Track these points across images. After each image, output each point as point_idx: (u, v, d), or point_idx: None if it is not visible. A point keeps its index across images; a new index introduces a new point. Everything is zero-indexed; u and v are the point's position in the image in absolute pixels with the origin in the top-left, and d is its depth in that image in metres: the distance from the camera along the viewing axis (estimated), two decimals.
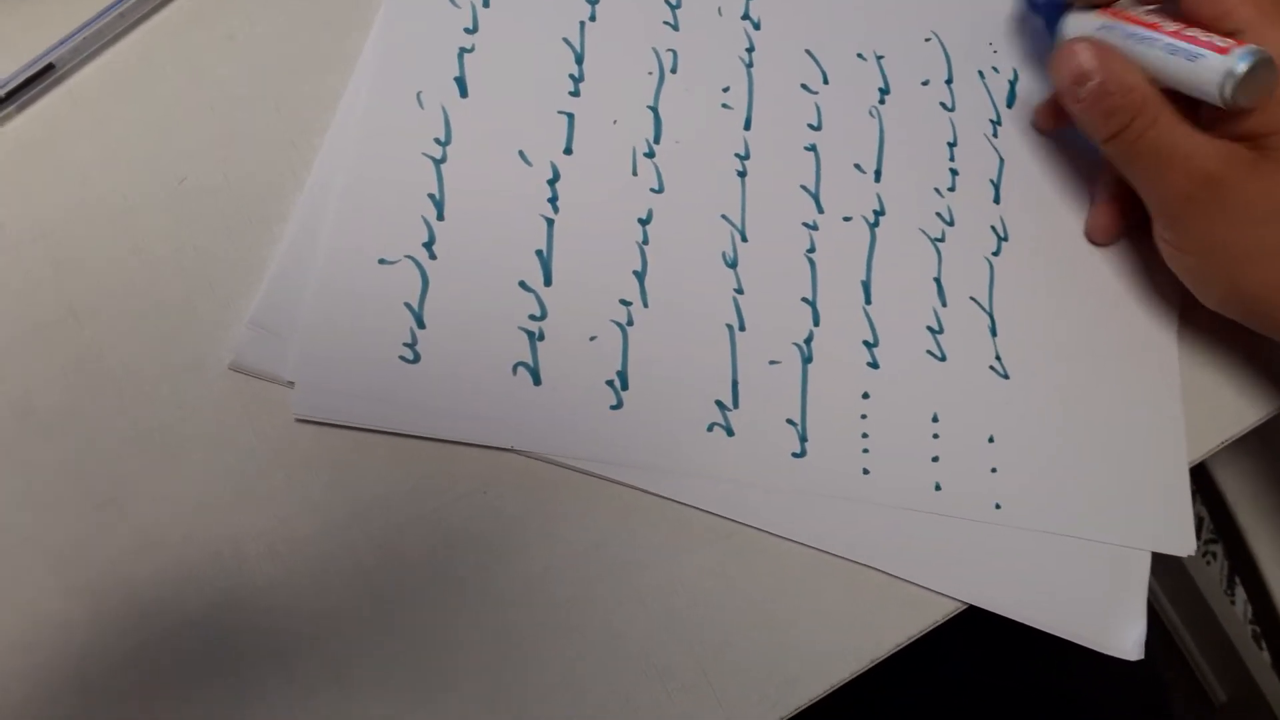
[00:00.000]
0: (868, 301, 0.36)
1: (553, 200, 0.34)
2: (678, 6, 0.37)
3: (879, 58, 0.38)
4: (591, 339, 0.33)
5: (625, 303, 0.34)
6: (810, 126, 0.37)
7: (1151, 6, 0.35)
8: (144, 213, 0.31)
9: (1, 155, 0.31)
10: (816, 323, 0.35)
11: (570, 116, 0.35)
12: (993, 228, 0.38)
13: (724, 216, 0.35)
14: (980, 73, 0.39)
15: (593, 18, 0.36)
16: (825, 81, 0.37)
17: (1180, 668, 0.80)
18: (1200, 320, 0.38)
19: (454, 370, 0.31)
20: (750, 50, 0.37)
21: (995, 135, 0.39)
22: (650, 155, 0.35)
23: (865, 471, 0.34)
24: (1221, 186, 0.33)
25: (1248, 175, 0.33)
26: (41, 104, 0.31)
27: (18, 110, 0.31)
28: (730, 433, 0.33)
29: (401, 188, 0.32)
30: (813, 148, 0.37)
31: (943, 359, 0.36)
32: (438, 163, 0.33)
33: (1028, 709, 0.51)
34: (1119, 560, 0.36)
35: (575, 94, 0.35)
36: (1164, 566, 0.75)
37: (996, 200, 0.38)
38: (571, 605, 0.32)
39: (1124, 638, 0.35)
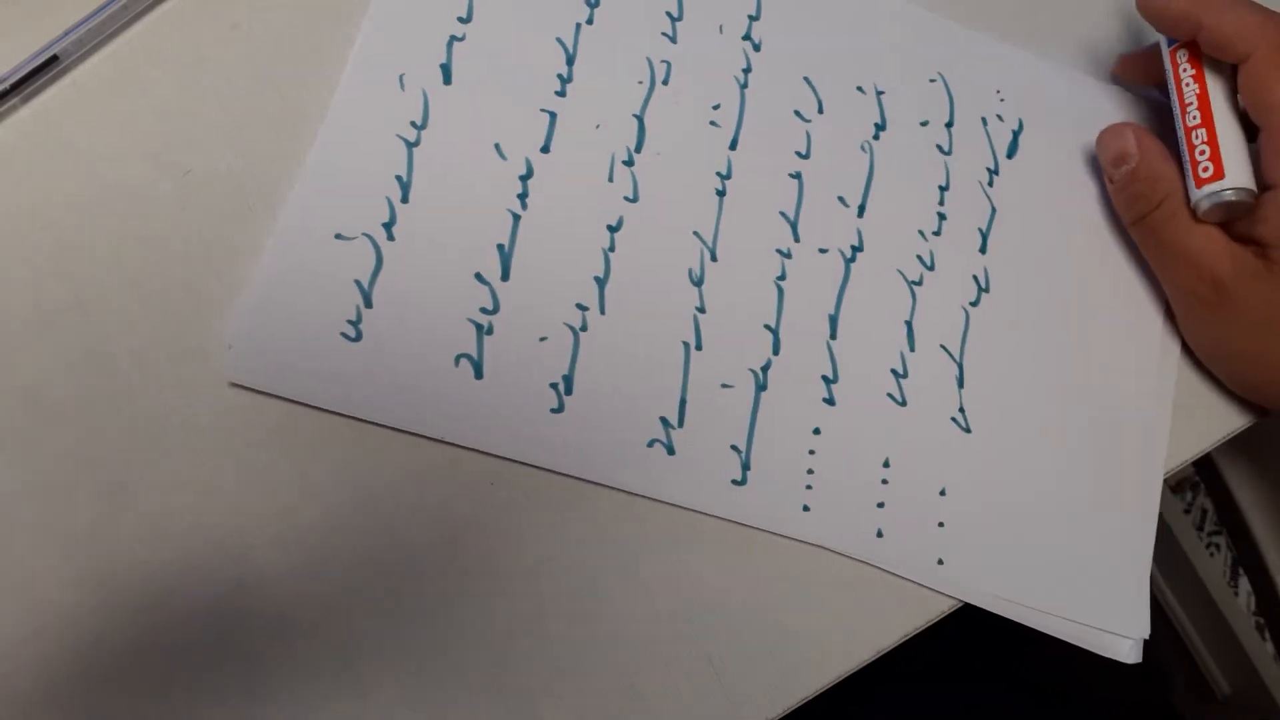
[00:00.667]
0: (833, 336, 0.35)
1: (522, 196, 0.33)
2: (679, 19, 0.36)
3: (879, 93, 0.38)
4: (542, 339, 0.33)
5: (582, 307, 0.33)
6: (798, 154, 0.36)
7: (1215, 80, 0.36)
8: (150, 203, 0.31)
9: (7, 147, 0.31)
10: (776, 351, 0.34)
11: (553, 115, 0.34)
12: (975, 277, 0.37)
13: (696, 233, 0.35)
14: (984, 120, 0.38)
15: (590, 21, 0.36)
16: (820, 110, 0.37)
17: (1183, 659, 0.80)
18: None
19: (394, 353, 0.31)
20: (747, 71, 0.37)
21: (991, 184, 0.38)
22: (629, 163, 0.35)
23: (805, 508, 0.33)
24: (1225, 290, 0.34)
25: (1251, 283, 0.34)
26: (46, 95, 0.32)
27: (23, 102, 0.31)
28: (670, 451, 0.33)
29: (369, 166, 0.32)
30: (797, 175, 0.36)
31: (903, 404, 0.35)
32: (410, 145, 0.33)
33: (1032, 699, 0.51)
34: (1119, 563, 0.35)
35: (561, 94, 0.35)
36: (1168, 558, 0.75)
37: (983, 250, 0.37)
38: (577, 594, 0.32)
39: (1123, 640, 0.35)
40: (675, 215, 0.35)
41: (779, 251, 0.35)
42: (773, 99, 0.37)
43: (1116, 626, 0.35)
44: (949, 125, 0.38)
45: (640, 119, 0.35)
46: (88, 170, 0.31)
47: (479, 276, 0.32)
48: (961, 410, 0.35)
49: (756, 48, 0.37)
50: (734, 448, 0.33)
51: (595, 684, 0.31)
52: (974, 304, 0.36)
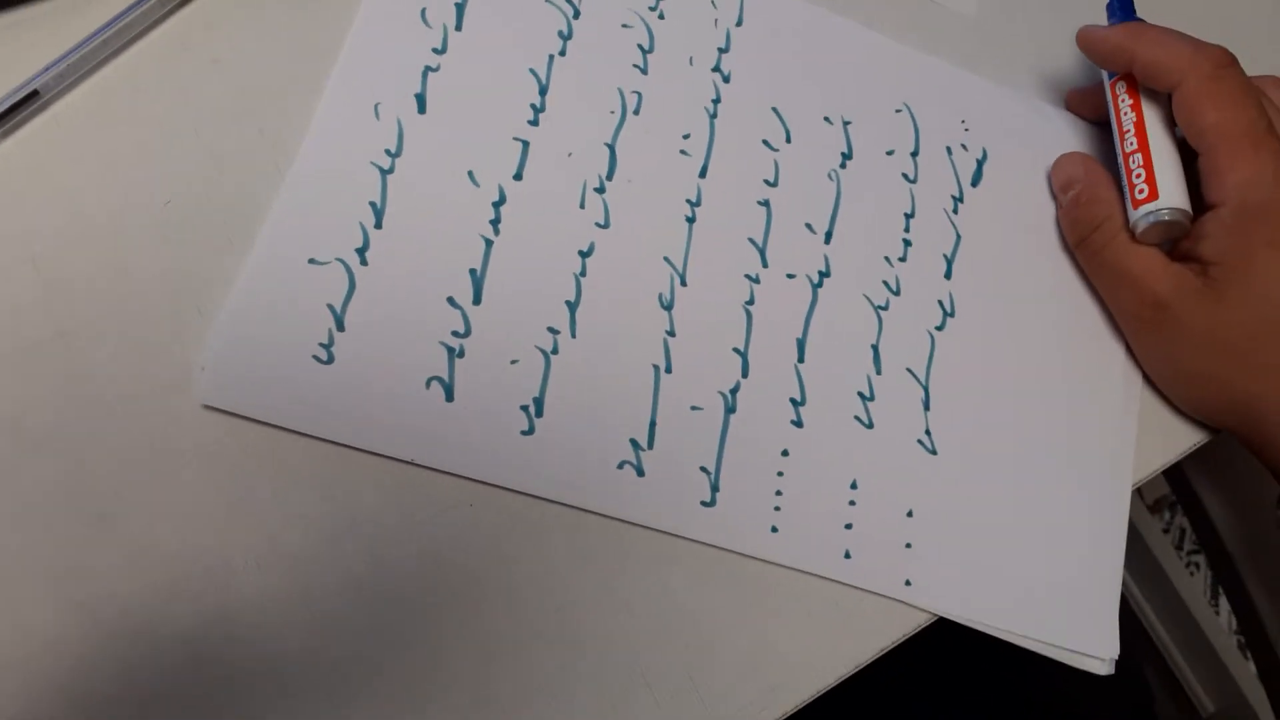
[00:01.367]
0: (800, 360, 0.36)
1: (494, 222, 0.34)
2: (650, 51, 0.37)
3: (846, 123, 0.38)
4: (513, 362, 0.33)
5: (553, 330, 0.34)
6: (766, 182, 0.37)
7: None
8: (130, 234, 0.32)
9: None
10: (745, 374, 0.35)
11: (525, 144, 0.35)
12: (940, 302, 0.37)
13: (666, 259, 0.35)
14: (949, 149, 0.39)
15: (563, 53, 0.36)
16: (788, 140, 0.38)
17: (1167, 678, 0.80)
18: None
19: (365, 376, 0.32)
20: (716, 101, 0.37)
21: (955, 212, 0.39)
22: (600, 190, 0.35)
23: (774, 529, 0.34)
24: (1167, 311, 0.35)
25: (1191, 303, 0.35)
26: (27, 129, 0.32)
27: (3, 136, 0.32)
28: (640, 473, 0.33)
29: (344, 192, 0.33)
30: (765, 203, 0.37)
31: (870, 426, 0.36)
32: (384, 172, 0.33)
33: (1015, 716, 0.51)
34: (1088, 583, 0.36)
35: (534, 123, 0.35)
36: (1149, 577, 0.76)
37: (948, 276, 0.38)
38: (559, 614, 0.32)
39: (1096, 651, 0.35)
40: (646, 241, 0.35)
41: (748, 277, 0.36)
42: (742, 129, 0.37)
43: (1086, 647, 0.35)
44: (914, 154, 0.39)
45: (612, 147, 0.36)
46: (68, 203, 0.32)
47: (451, 300, 0.33)
48: (928, 433, 0.36)
49: (726, 79, 0.38)
50: (703, 469, 0.34)
51: (578, 704, 0.32)
52: (940, 328, 0.37)
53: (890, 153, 0.39)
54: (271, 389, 0.31)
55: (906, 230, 0.38)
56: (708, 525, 0.33)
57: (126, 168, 0.32)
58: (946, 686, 0.51)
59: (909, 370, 0.36)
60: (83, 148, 0.32)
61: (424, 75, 0.35)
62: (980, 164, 0.40)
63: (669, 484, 0.33)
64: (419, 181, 0.34)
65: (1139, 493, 0.37)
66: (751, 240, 0.36)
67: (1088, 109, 0.41)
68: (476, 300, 0.33)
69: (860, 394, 0.36)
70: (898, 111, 0.39)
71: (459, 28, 0.36)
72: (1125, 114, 0.37)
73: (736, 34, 0.38)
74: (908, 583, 0.34)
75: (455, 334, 0.33)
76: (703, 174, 0.37)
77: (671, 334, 0.35)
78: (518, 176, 0.35)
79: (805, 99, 0.38)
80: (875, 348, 0.36)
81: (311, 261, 0.32)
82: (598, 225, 0.35)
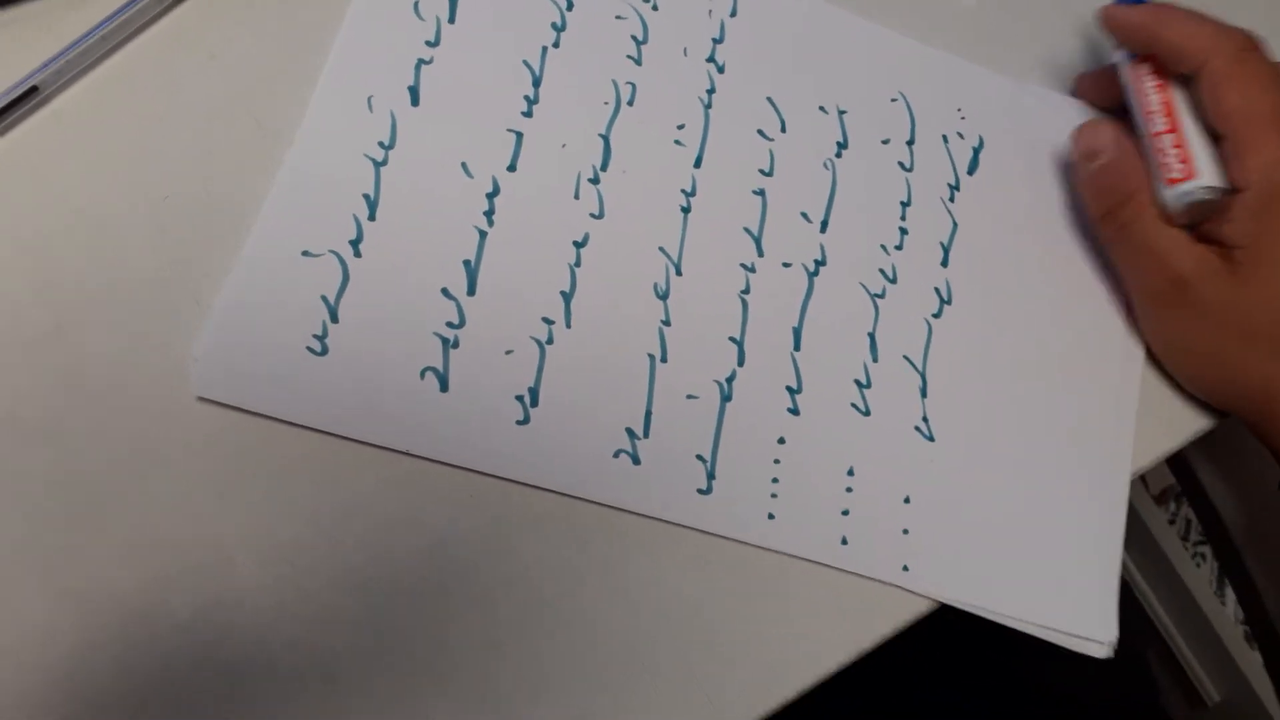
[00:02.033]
0: (796, 348, 0.35)
1: (489, 213, 0.34)
2: (644, 42, 0.37)
3: (841, 112, 0.38)
4: (508, 353, 0.33)
5: (548, 321, 0.34)
6: (761, 171, 0.37)
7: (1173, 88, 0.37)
8: (129, 230, 0.32)
9: None
10: (741, 363, 0.35)
11: (519, 135, 0.35)
12: (936, 290, 0.37)
13: (661, 249, 0.35)
14: (944, 137, 0.39)
15: (556, 44, 0.36)
16: (783, 130, 0.38)
17: (1173, 668, 0.80)
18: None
19: (360, 367, 0.32)
20: (710, 92, 0.37)
21: (952, 200, 0.39)
22: (595, 181, 0.35)
23: (770, 516, 0.34)
24: (1188, 290, 0.35)
25: (1213, 283, 0.34)
26: (26, 125, 0.32)
27: (2, 132, 0.32)
28: (636, 461, 0.33)
29: (337, 184, 0.33)
30: (761, 192, 0.37)
31: (866, 413, 0.35)
32: (378, 165, 0.33)
33: (1021, 710, 0.51)
34: (1087, 567, 0.36)
35: (528, 114, 0.35)
36: (1155, 568, 0.75)
37: (944, 263, 0.38)
38: (558, 603, 0.32)
39: (1095, 635, 0.35)
40: (641, 231, 0.35)
41: (743, 266, 0.36)
42: (737, 119, 0.37)
43: (1085, 630, 0.35)
44: (910, 143, 0.39)
45: (606, 138, 0.36)
46: (67, 197, 0.32)
47: (445, 291, 0.33)
48: (925, 420, 0.36)
49: (720, 69, 0.38)
50: (699, 458, 0.34)
51: (578, 693, 0.32)
52: (936, 316, 0.37)
53: (886, 141, 0.39)
54: (265, 380, 0.31)
55: (903, 219, 0.38)
56: (704, 513, 0.33)
57: (125, 163, 0.32)
58: (950, 670, 0.51)
59: (906, 358, 0.36)
60: (81, 143, 0.32)
61: (417, 67, 0.35)
62: (976, 152, 0.39)
63: (665, 473, 0.33)
64: (412, 173, 0.34)
65: (1145, 484, 0.37)
66: (747, 229, 0.36)
67: (1099, 94, 0.40)
68: (471, 291, 0.33)
69: (857, 382, 0.36)
70: (893, 100, 0.39)
71: (452, 20, 0.36)
72: (1149, 95, 0.36)
73: (730, 24, 0.38)
74: (905, 568, 0.34)
75: (450, 325, 0.33)
76: (698, 164, 0.37)
77: (667, 323, 0.35)
78: (511, 168, 0.35)
79: (800, 88, 0.38)
80: (872, 336, 0.36)
81: (305, 253, 0.32)
82: (592, 216, 0.35)
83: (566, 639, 0.32)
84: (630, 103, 0.37)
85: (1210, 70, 0.34)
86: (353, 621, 0.31)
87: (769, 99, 0.38)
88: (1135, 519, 0.36)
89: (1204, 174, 0.34)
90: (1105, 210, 0.37)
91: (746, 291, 0.36)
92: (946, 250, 0.38)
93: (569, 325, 0.34)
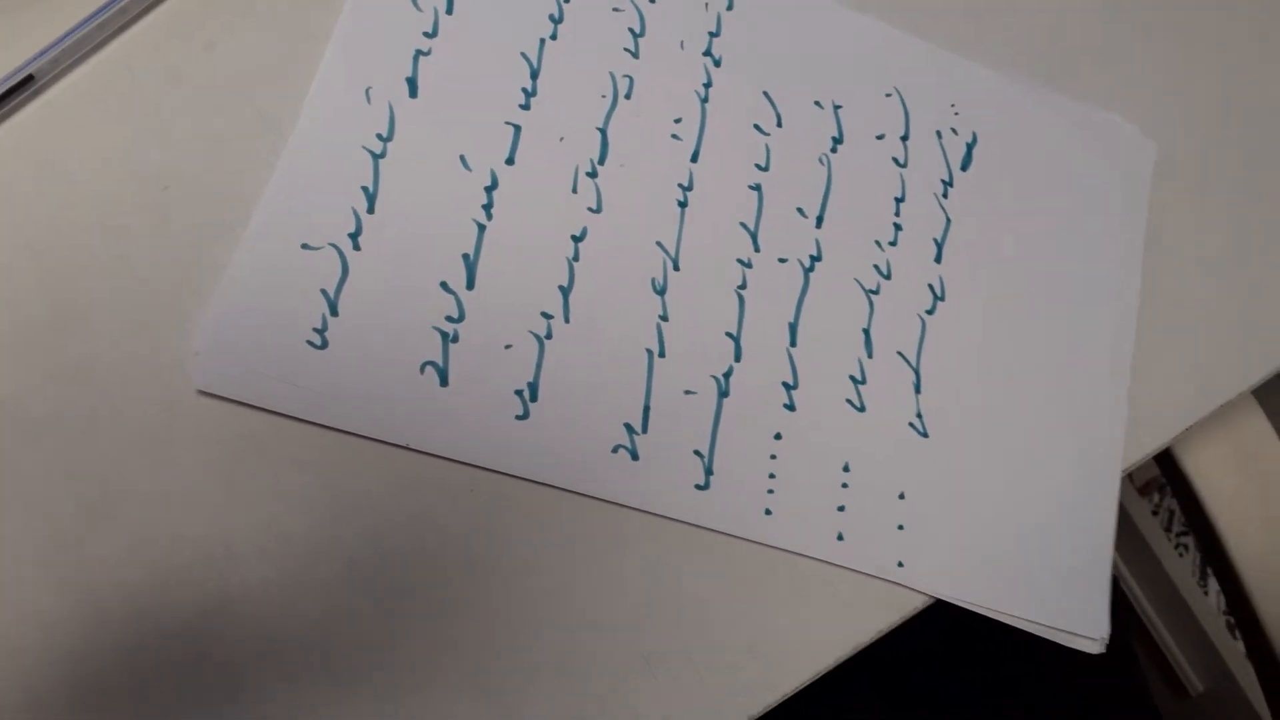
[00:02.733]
0: (792, 344, 0.36)
1: (487, 207, 0.34)
2: (641, 35, 0.37)
3: (836, 107, 0.39)
4: (507, 347, 0.33)
5: (547, 315, 0.34)
6: (758, 166, 0.37)
7: None
8: (128, 220, 0.32)
9: None
10: (738, 358, 0.35)
11: (517, 128, 0.35)
12: (930, 286, 0.38)
13: (659, 243, 0.35)
14: (938, 133, 0.39)
15: (554, 36, 0.36)
16: (779, 124, 0.38)
17: (1156, 658, 0.81)
18: (1148, 318, 0.39)
19: (360, 361, 0.32)
20: (707, 85, 0.37)
21: (945, 196, 0.39)
22: (593, 175, 0.35)
23: (768, 512, 0.34)
24: None
25: None
26: (22, 115, 0.32)
27: None
28: (635, 456, 0.33)
29: (336, 177, 0.33)
30: (757, 187, 0.37)
31: (861, 409, 0.36)
32: (376, 157, 0.33)
33: (1007, 698, 0.52)
34: (1079, 564, 0.36)
35: (525, 107, 0.35)
36: (1138, 559, 0.76)
37: (938, 259, 0.38)
38: (558, 595, 0.32)
39: (1087, 631, 0.36)
40: (638, 225, 0.35)
41: (740, 261, 0.36)
42: (733, 113, 0.37)
43: (1077, 626, 0.36)
44: (904, 139, 0.39)
45: (603, 132, 0.36)
46: (65, 188, 0.31)
47: (444, 285, 0.33)
48: (919, 416, 0.36)
49: (717, 63, 0.38)
50: (697, 453, 0.34)
51: (577, 686, 0.32)
52: (930, 312, 0.37)
53: (880, 137, 0.39)
54: (265, 374, 0.31)
55: (897, 214, 0.38)
56: (702, 508, 0.33)
57: (123, 152, 0.32)
58: (945, 659, 0.51)
59: (900, 354, 0.37)
60: (78, 133, 0.32)
61: (415, 59, 0.35)
62: (970, 148, 0.40)
63: (663, 467, 0.33)
64: (411, 165, 0.34)
65: (1128, 475, 0.37)
66: (743, 224, 0.36)
67: None
68: (470, 285, 0.33)
69: (852, 377, 0.36)
70: (888, 96, 0.39)
71: (450, 11, 0.35)
72: None
73: (727, 18, 0.38)
74: (900, 564, 0.34)
75: (449, 319, 0.33)
76: (694, 158, 0.37)
77: (664, 319, 0.35)
78: (509, 161, 0.35)
79: (796, 83, 0.38)
80: (866, 331, 0.36)
81: (304, 246, 0.32)
82: (590, 210, 0.35)
83: (566, 632, 0.32)
84: (628, 96, 0.36)
85: None
86: (353, 614, 0.31)
87: (765, 93, 0.38)
88: (1119, 510, 0.37)
89: None
90: None
91: (743, 287, 0.36)
92: (940, 246, 0.38)
93: (567, 320, 0.34)
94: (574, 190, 0.35)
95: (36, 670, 0.29)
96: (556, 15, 0.36)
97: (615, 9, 0.37)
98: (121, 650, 0.29)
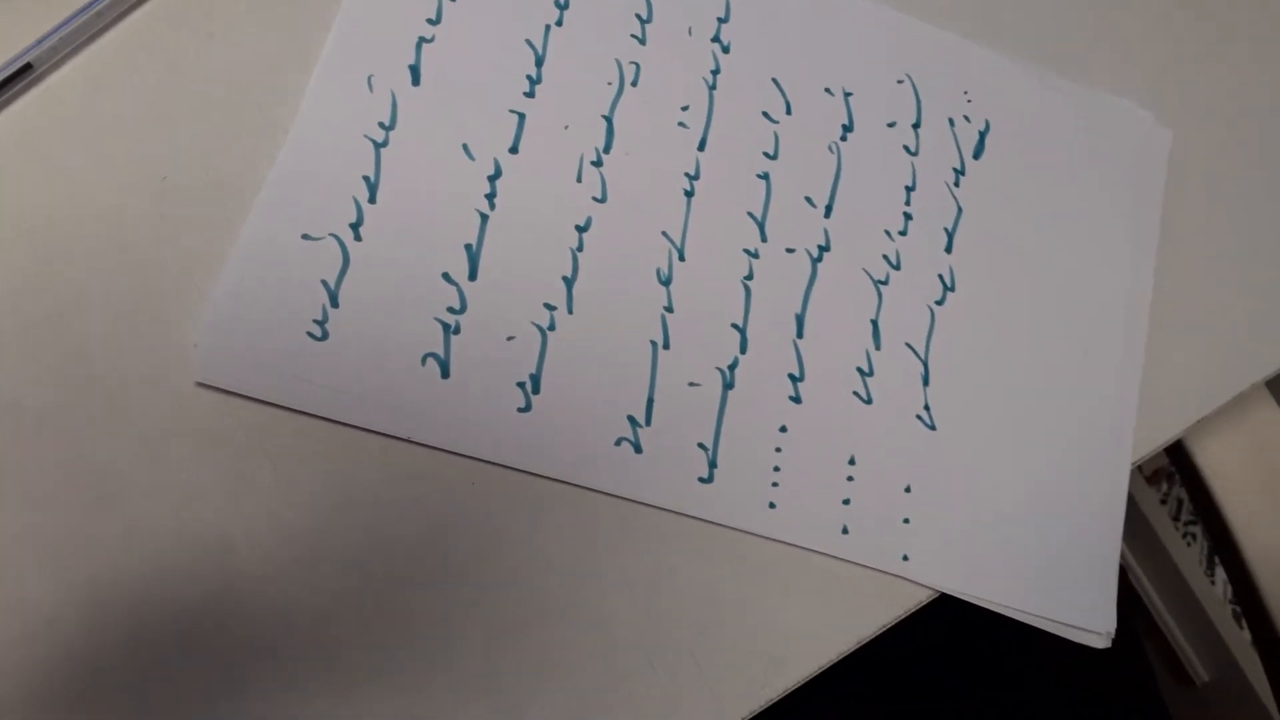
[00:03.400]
0: (799, 335, 0.35)
1: (490, 196, 0.34)
2: (648, 21, 0.37)
3: (847, 94, 0.38)
4: (509, 339, 0.33)
5: (550, 307, 0.33)
6: (766, 155, 0.37)
7: None
8: (128, 211, 0.31)
9: None
10: (744, 350, 0.35)
11: (521, 116, 0.35)
12: (940, 276, 0.37)
13: (664, 233, 0.35)
14: (951, 120, 0.39)
15: (559, 23, 0.36)
16: (788, 112, 0.37)
17: (1162, 647, 0.81)
18: (1161, 308, 0.39)
19: (361, 352, 0.31)
20: (715, 73, 0.37)
21: (957, 185, 0.38)
22: (598, 164, 0.35)
23: (771, 505, 0.34)
24: None
25: None
26: (20, 104, 0.32)
27: None
28: (638, 449, 0.33)
29: (337, 166, 0.32)
30: (765, 176, 0.36)
31: (868, 401, 0.35)
32: (378, 146, 0.33)
33: (1011, 689, 0.51)
34: (1086, 559, 0.36)
35: (530, 95, 0.35)
36: (1145, 547, 0.76)
37: (948, 249, 0.38)
38: (561, 591, 0.32)
39: (1093, 626, 0.35)
40: (643, 215, 0.35)
41: (746, 251, 0.36)
42: (741, 100, 0.37)
43: (1083, 621, 0.35)
44: (916, 126, 0.38)
45: (609, 120, 0.35)
46: (63, 178, 0.31)
47: (446, 276, 0.33)
48: (927, 408, 0.36)
49: (725, 49, 0.37)
50: (701, 446, 0.34)
51: (580, 681, 0.32)
52: (939, 303, 0.37)
53: (892, 124, 0.38)
54: (266, 366, 0.31)
55: (907, 203, 0.38)
56: (705, 502, 0.33)
57: (122, 143, 0.32)
58: (948, 651, 0.51)
59: (908, 345, 0.36)
60: (77, 122, 0.32)
61: (418, 46, 0.34)
62: (982, 136, 0.39)
63: (667, 461, 0.33)
64: (413, 155, 0.33)
65: (1137, 465, 0.37)
66: (750, 214, 0.36)
67: None
68: (472, 276, 0.33)
69: (859, 369, 0.36)
70: (899, 82, 0.39)
71: None
72: None
73: (736, 3, 0.37)
74: (905, 558, 0.34)
75: (451, 310, 0.32)
76: (701, 147, 0.36)
77: (669, 310, 0.34)
78: (514, 149, 0.34)
79: (806, 70, 0.38)
80: (875, 323, 0.36)
81: (305, 237, 0.32)
82: (595, 199, 0.35)
83: (568, 625, 0.32)
84: (634, 83, 0.36)
85: None
86: (355, 607, 0.31)
87: (774, 80, 0.37)
88: (1127, 499, 0.36)
89: None
90: None
91: (749, 277, 0.35)
92: (951, 236, 0.38)
93: (571, 311, 0.33)
94: (579, 179, 0.35)
95: (36, 663, 0.29)
96: (562, 1, 0.36)
97: None
98: (121, 642, 0.29)
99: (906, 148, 0.38)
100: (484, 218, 0.33)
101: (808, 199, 0.37)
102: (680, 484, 0.33)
